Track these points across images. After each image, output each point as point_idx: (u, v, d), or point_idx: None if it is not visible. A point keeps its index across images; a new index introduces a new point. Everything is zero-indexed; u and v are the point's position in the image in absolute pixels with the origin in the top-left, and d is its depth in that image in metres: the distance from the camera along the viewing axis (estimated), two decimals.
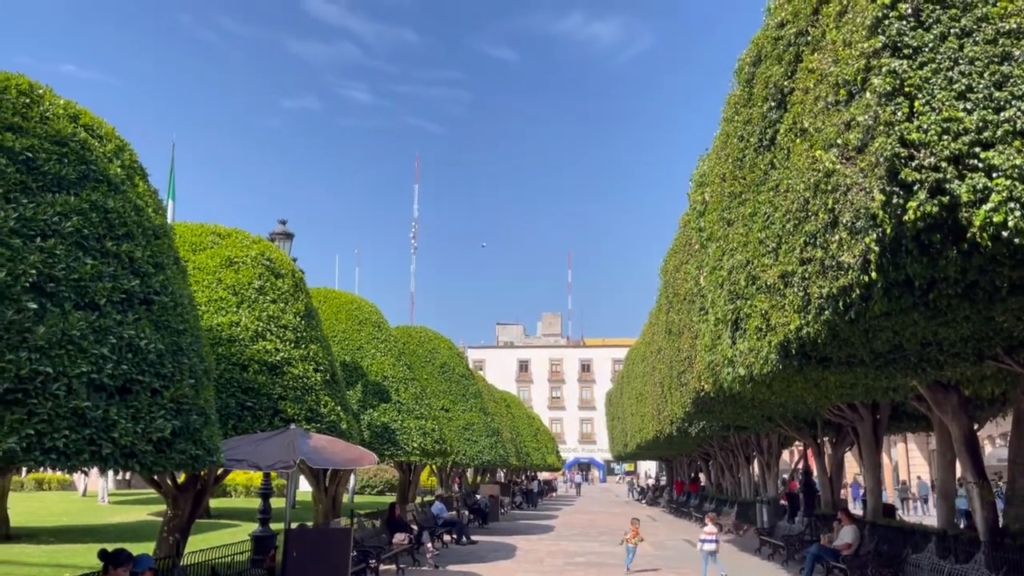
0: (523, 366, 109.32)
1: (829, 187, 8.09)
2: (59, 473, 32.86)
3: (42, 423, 5.62)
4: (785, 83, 10.04)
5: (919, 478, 43.21)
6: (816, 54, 8.93)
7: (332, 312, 18.97)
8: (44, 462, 5.77)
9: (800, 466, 28.94)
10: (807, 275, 8.90)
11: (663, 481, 64.08)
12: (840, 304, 8.13)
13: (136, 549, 8.67)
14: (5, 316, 5.65)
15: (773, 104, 10.45)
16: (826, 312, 8.50)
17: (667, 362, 25.32)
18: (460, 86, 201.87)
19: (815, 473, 23.54)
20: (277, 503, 23.38)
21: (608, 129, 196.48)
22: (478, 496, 33.55)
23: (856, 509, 28.86)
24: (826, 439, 23.20)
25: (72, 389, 5.87)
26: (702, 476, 45.79)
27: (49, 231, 6.25)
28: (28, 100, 6.81)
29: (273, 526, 12.75)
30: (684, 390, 21.60)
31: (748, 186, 11.58)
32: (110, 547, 7.84)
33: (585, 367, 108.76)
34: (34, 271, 5.94)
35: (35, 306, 5.85)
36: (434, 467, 31.56)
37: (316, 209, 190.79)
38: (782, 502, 26.59)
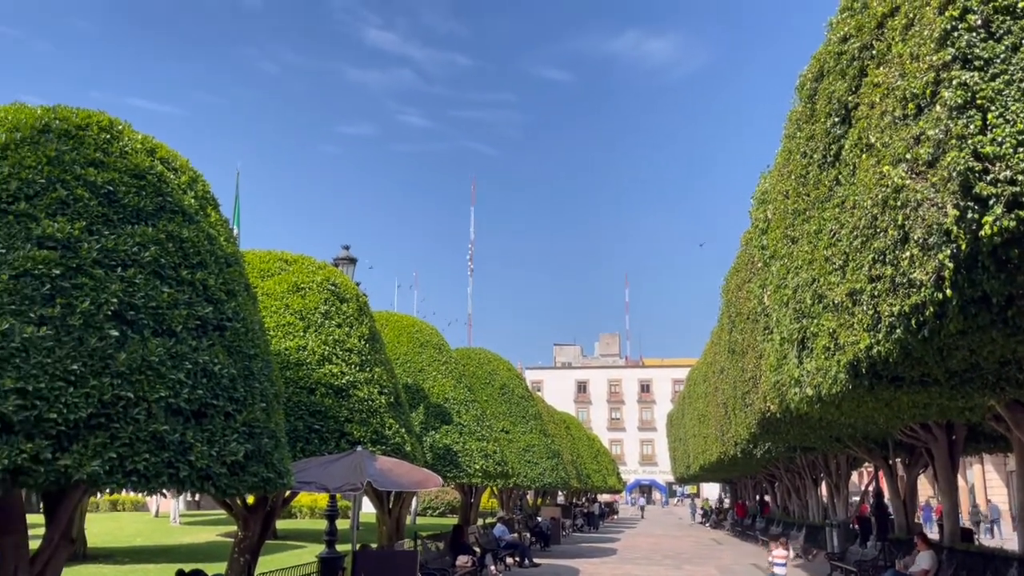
0: (581, 387, 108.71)
1: (898, 203, 7.92)
2: (132, 494, 33.79)
3: (123, 447, 5.81)
4: (849, 98, 9.88)
5: (989, 501, 41.62)
6: (882, 68, 8.77)
7: (394, 335, 19.21)
8: (125, 485, 5.95)
9: (871, 488, 28.09)
10: (876, 293, 8.70)
11: (726, 503, 62.83)
12: (912, 322, 7.92)
13: (209, 570, 8.87)
14: (89, 344, 5.88)
15: (837, 120, 10.29)
16: (898, 330, 8.29)
17: (731, 382, 24.92)
18: (515, 108, 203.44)
19: (887, 495, 22.82)
20: (341, 524, 23.61)
21: (664, 147, 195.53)
22: (539, 518, 33.37)
23: (929, 533, 27.85)
24: (898, 460, 22.49)
25: (151, 413, 6.05)
26: (767, 498, 44.81)
27: (129, 261, 6.49)
28: (109, 136, 7.09)
29: (339, 547, 12.89)
30: (749, 411, 21.21)
31: (812, 203, 11.39)
32: (187, 567, 8.03)
33: (644, 387, 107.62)
34: (115, 300, 6.17)
35: (116, 333, 6.07)
36: (495, 489, 31.52)
37: (375, 232, 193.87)
38: (852, 526, 25.83)
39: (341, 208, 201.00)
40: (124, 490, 6.23)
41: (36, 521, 7.50)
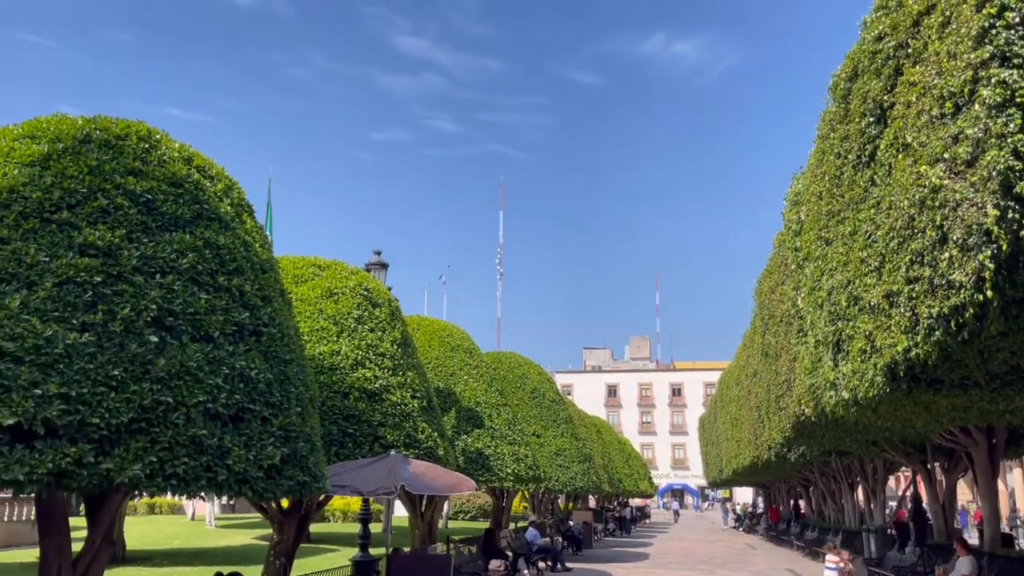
0: (611, 391, 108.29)
1: (936, 203, 7.80)
2: (170, 497, 34.24)
3: (163, 451, 5.90)
4: (884, 97, 9.76)
5: None
6: (918, 66, 8.66)
7: (425, 339, 19.29)
8: (166, 488, 6.05)
9: (909, 493, 27.65)
10: (914, 294, 8.57)
11: (759, 508, 62.18)
12: (952, 324, 7.79)
13: (246, 572, 8.97)
14: (130, 349, 5.98)
15: (872, 119, 10.16)
16: (936, 333, 8.16)
17: (764, 386, 24.68)
18: (543, 111, 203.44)
19: (925, 500, 22.44)
20: (374, 528, 23.74)
21: (694, 149, 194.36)
22: (571, 522, 33.28)
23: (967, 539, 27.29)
24: (936, 464, 22.11)
25: (190, 418, 6.15)
26: (802, 503, 44.29)
27: (167, 268, 6.60)
28: (147, 145, 7.22)
29: (371, 551, 12.96)
30: (783, 414, 20.98)
31: (847, 204, 11.26)
32: (224, 570, 8.12)
33: (676, 391, 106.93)
34: (154, 306, 6.28)
35: (156, 339, 6.18)
36: (526, 493, 31.49)
37: (405, 237, 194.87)
38: (890, 531, 25.43)
39: (373, 213, 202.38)
40: (164, 493, 6.31)
41: (76, 524, 7.63)
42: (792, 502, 46.19)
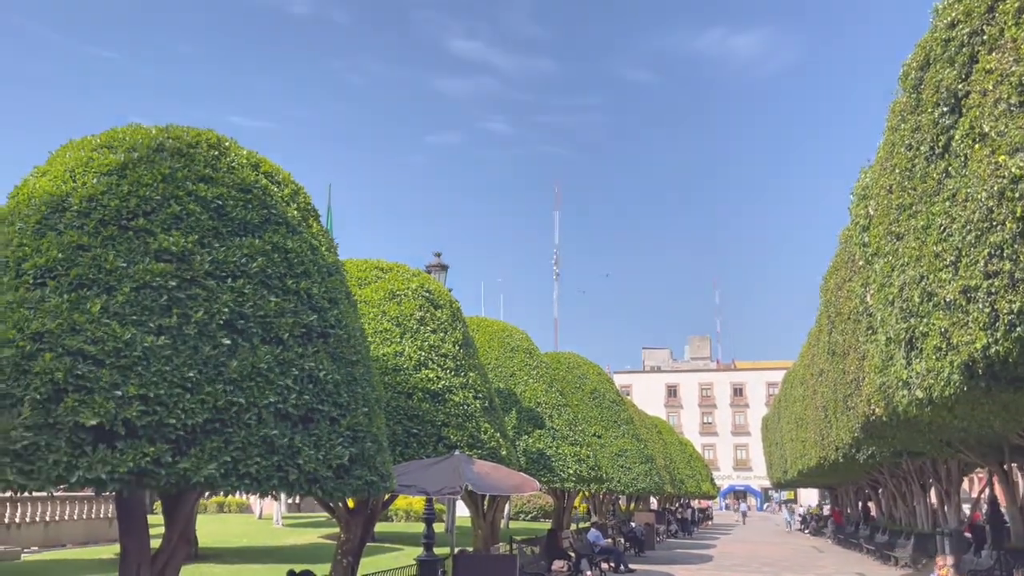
0: (671, 391, 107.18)
1: (1016, 194, 7.51)
2: (238, 496, 35.05)
3: (237, 451, 6.03)
4: (959, 86, 9.43)
5: None
6: (994, 54, 8.35)
7: (485, 340, 19.35)
8: (239, 487, 6.17)
9: (984, 495, 26.71)
10: (994, 289, 8.27)
11: (825, 510, 60.83)
12: None
13: (315, 570, 9.10)
14: (203, 352, 6.13)
15: (946, 109, 9.84)
16: (1018, 328, 7.87)
17: (830, 385, 24.11)
18: (597, 111, 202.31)
19: (1003, 503, 21.65)
20: (436, 528, 23.89)
21: (753, 145, 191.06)
22: (633, 524, 33.04)
23: None
24: (1014, 465, 21.33)
25: (262, 418, 6.27)
26: (871, 505, 43.17)
27: (238, 272, 6.74)
28: (217, 153, 7.39)
29: (435, 550, 13.04)
30: (851, 414, 20.48)
31: (919, 197, 10.92)
32: (296, 568, 8.26)
33: (737, 391, 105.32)
34: (227, 310, 6.42)
35: (228, 342, 6.32)
36: (587, 494, 31.35)
37: (460, 238, 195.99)
38: (965, 534, 24.60)
39: (426, 215, 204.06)
40: (237, 492, 6.44)
41: (153, 522, 7.85)
42: (861, 504, 45.09)
